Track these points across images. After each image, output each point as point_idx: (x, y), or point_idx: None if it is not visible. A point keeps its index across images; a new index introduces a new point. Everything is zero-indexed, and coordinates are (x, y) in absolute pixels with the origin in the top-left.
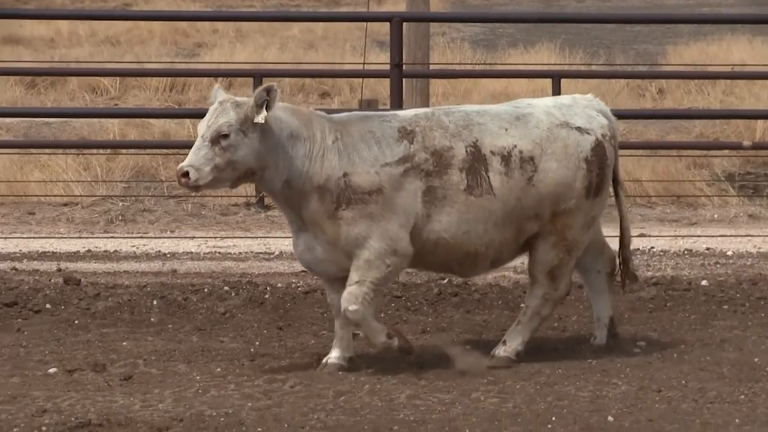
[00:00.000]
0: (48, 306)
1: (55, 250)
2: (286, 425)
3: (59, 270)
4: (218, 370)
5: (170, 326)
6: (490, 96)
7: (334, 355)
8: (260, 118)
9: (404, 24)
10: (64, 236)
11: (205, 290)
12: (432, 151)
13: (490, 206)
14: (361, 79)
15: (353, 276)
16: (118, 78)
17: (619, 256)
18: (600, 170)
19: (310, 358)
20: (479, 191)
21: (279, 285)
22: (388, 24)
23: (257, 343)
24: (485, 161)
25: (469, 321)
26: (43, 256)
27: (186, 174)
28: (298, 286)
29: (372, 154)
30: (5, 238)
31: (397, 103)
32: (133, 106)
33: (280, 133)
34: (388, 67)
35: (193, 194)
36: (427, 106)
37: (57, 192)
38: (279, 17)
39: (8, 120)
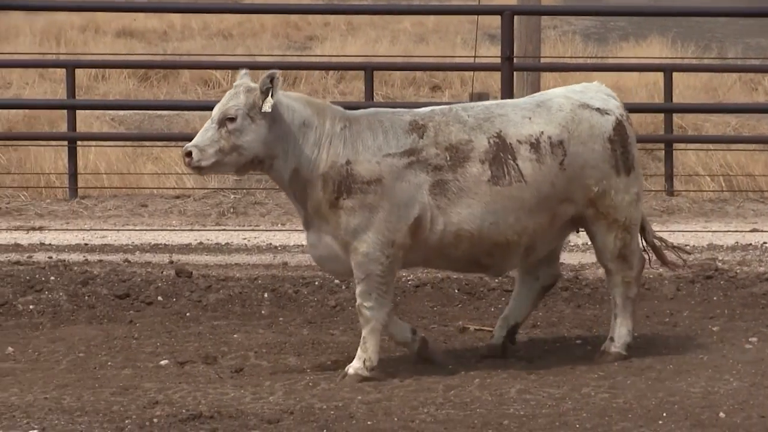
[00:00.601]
0: (160, 298)
1: (167, 243)
2: (395, 419)
3: (171, 262)
4: (329, 363)
5: (281, 319)
6: None
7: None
8: (267, 107)
9: (515, 17)
10: (176, 228)
11: (316, 283)
12: (446, 146)
13: (521, 194)
14: (471, 72)
15: (358, 273)
16: (230, 71)
17: (643, 241)
18: (623, 148)
19: None
20: (507, 180)
21: None
22: (499, 17)
23: None
24: (512, 150)
25: (580, 316)
26: (155, 248)
27: (189, 153)
28: (409, 280)
29: (376, 143)
30: (118, 230)
31: (508, 96)
32: None
33: (292, 122)
34: (498, 60)
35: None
36: None
37: (169, 184)
38: (390, 10)
39: (121, 113)
